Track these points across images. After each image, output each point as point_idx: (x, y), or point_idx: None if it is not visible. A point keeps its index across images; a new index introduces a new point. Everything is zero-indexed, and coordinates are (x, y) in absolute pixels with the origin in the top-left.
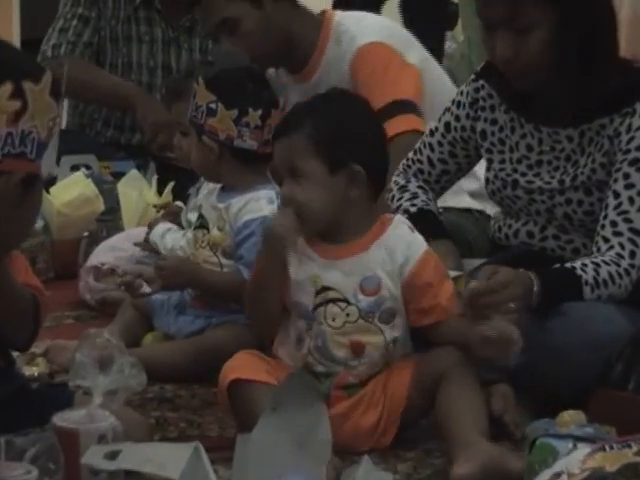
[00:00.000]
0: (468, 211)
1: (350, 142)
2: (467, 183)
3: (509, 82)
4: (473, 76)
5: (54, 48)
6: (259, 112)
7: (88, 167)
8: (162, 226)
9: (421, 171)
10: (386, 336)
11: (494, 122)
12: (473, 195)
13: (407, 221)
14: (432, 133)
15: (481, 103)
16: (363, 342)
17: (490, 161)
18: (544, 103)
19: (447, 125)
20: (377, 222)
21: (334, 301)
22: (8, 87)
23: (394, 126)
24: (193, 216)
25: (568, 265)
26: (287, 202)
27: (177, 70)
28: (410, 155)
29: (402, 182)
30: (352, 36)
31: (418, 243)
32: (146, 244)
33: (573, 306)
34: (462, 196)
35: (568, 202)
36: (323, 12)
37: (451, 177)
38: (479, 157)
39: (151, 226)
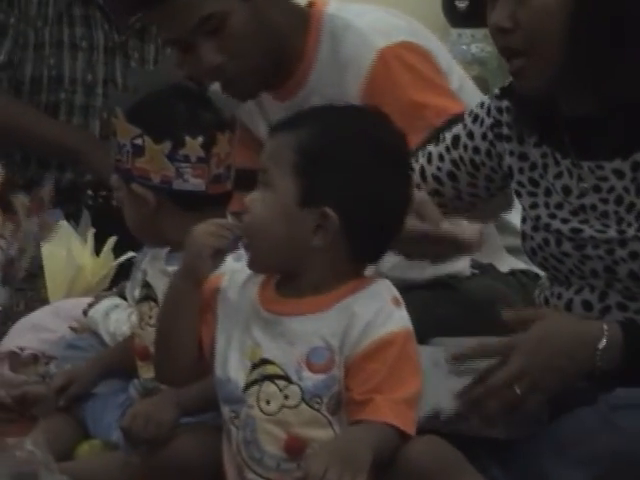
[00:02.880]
0: (511, 274)
1: (341, 178)
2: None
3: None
4: (497, 91)
5: None
6: (199, 139)
7: None
8: (108, 302)
9: None
10: (336, 431)
11: (523, 157)
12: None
13: (395, 290)
14: (437, 142)
15: (505, 131)
16: (304, 438)
17: (522, 208)
18: (578, 124)
19: (455, 140)
20: (352, 281)
21: (271, 378)
22: None
23: None
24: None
25: None
26: (243, 210)
27: (123, 87)
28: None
29: None
30: (361, 35)
31: (394, 319)
32: (82, 324)
33: None
34: (500, 253)
35: (633, 257)
36: (310, 2)
37: (445, 202)
38: (489, 192)
39: (97, 299)
